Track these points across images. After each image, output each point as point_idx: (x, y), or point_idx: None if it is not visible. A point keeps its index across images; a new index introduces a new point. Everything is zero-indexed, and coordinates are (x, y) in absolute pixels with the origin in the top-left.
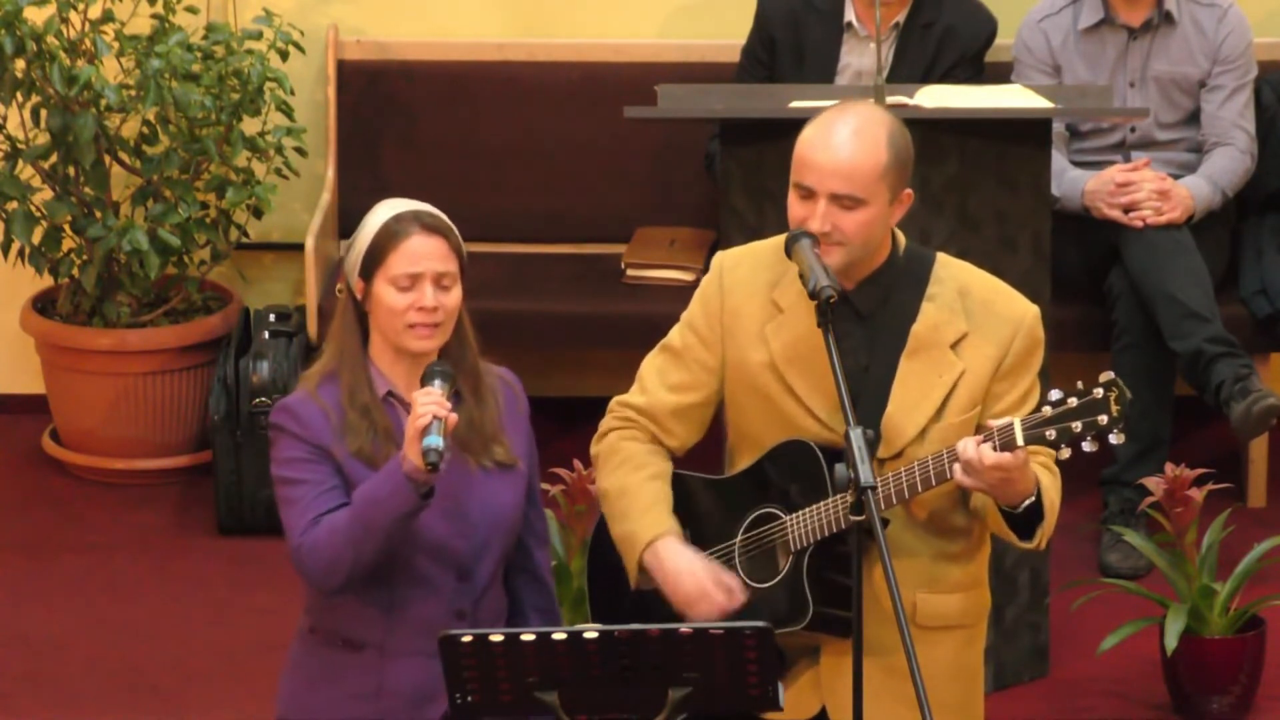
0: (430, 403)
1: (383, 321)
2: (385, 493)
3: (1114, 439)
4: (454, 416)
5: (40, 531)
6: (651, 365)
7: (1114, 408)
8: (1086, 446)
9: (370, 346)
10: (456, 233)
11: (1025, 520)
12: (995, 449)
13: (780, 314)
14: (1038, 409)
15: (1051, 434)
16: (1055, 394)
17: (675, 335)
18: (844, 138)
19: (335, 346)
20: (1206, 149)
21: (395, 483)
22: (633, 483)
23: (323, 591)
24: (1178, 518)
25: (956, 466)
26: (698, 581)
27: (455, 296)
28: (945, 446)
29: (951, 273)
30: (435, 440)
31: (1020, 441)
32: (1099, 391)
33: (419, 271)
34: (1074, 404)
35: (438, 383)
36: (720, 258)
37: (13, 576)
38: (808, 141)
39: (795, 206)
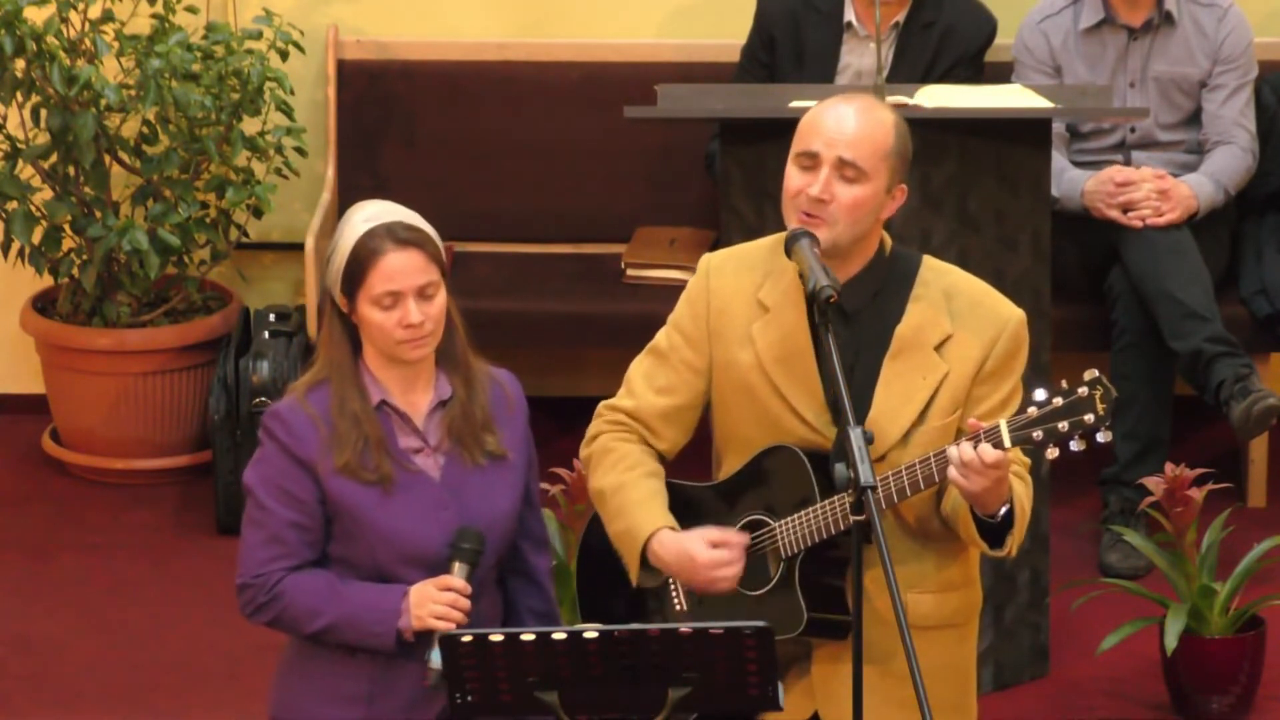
0: (449, 606)
1: (373, 337)
2: (371, 619)
3: (1101, 437)
4: (462, 618)
5: (40, 531)
6: (639, 369)
7: (1100, 406)
8: (1074, 446)
9: (364, 353)
10: (433, 238)
11: (996, 529)
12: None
13: (766, 314)
14: (1022, 410)
15: (1038, 434)
16: (1040, 394)
17: (662, 338)
18: (853, 112)
19: (325, 357)
20: (1208, 148)
21: (387, 623)
22: (628, 479)
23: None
24: (1178, 518)
25: (951, 469)
26: (707, 558)
27: (440, 302)
28: (928, 450)
29: (938, 274)
30: (438, 661)
31: (1007, 443)
32: (1084, 390)
33: (399, 289)
34: (1059, 404)
35: (457, 566)
36: (706, 259)
37: (13, 576)
38: (815, 114)
39: (794, 178)
